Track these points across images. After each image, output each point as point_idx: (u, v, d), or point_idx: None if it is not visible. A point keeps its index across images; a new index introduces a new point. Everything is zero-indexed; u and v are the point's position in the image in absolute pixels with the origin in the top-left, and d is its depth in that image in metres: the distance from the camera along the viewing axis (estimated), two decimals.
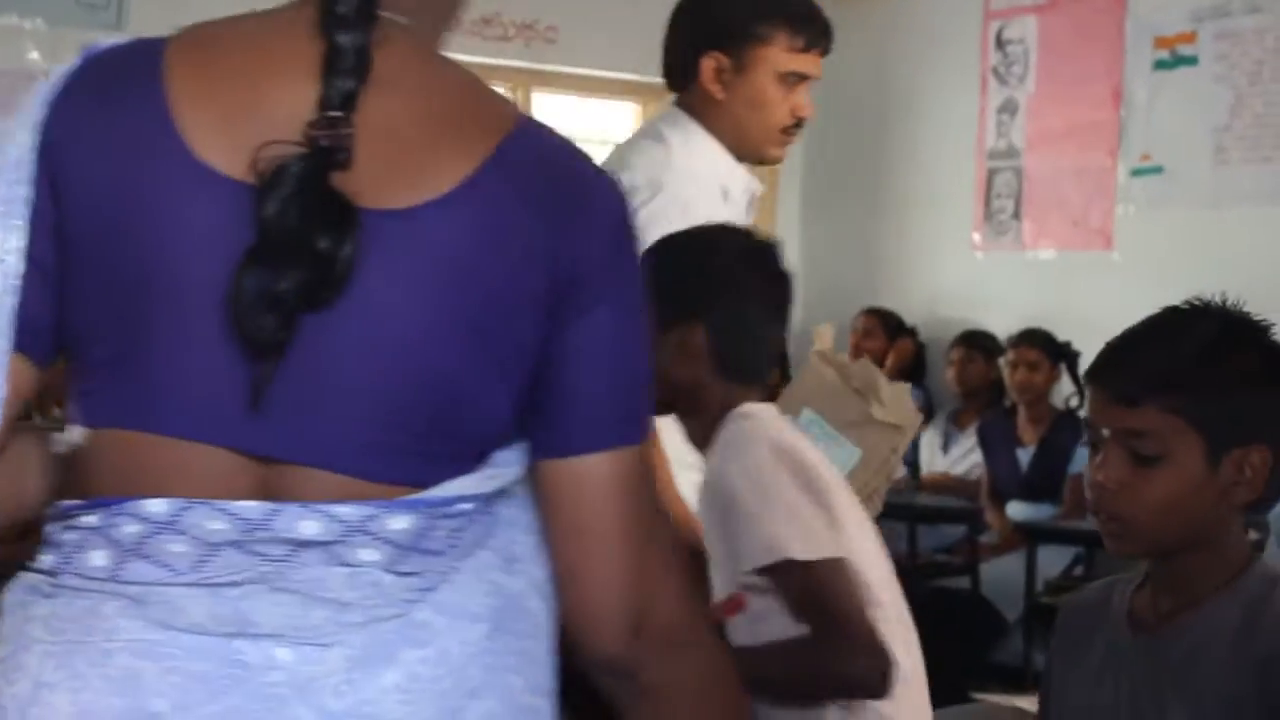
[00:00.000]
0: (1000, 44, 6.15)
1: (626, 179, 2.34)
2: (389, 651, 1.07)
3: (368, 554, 1.06)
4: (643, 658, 1.14)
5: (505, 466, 1.12)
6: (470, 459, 1.10)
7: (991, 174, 6.15)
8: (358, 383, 1.06)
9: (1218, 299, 1.65)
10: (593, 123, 7.03)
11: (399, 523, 1.06)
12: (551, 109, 6.82)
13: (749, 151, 2.59)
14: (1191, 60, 5.50)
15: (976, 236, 6.14)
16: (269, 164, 1.03)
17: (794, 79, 2.56)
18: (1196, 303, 1.66)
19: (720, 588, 1.95)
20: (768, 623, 1.90)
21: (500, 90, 5.97)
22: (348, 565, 1.06)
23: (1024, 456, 5.40)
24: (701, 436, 2.03)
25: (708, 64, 2.52)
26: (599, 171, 1.15)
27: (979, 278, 6.08)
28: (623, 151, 2.55)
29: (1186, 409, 1.56)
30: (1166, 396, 1.57)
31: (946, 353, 5.82)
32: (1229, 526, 1.61)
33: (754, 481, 1.90)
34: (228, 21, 1.13)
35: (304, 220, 1.02)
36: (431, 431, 1.08)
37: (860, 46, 6.76)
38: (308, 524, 1.05)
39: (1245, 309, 1.65)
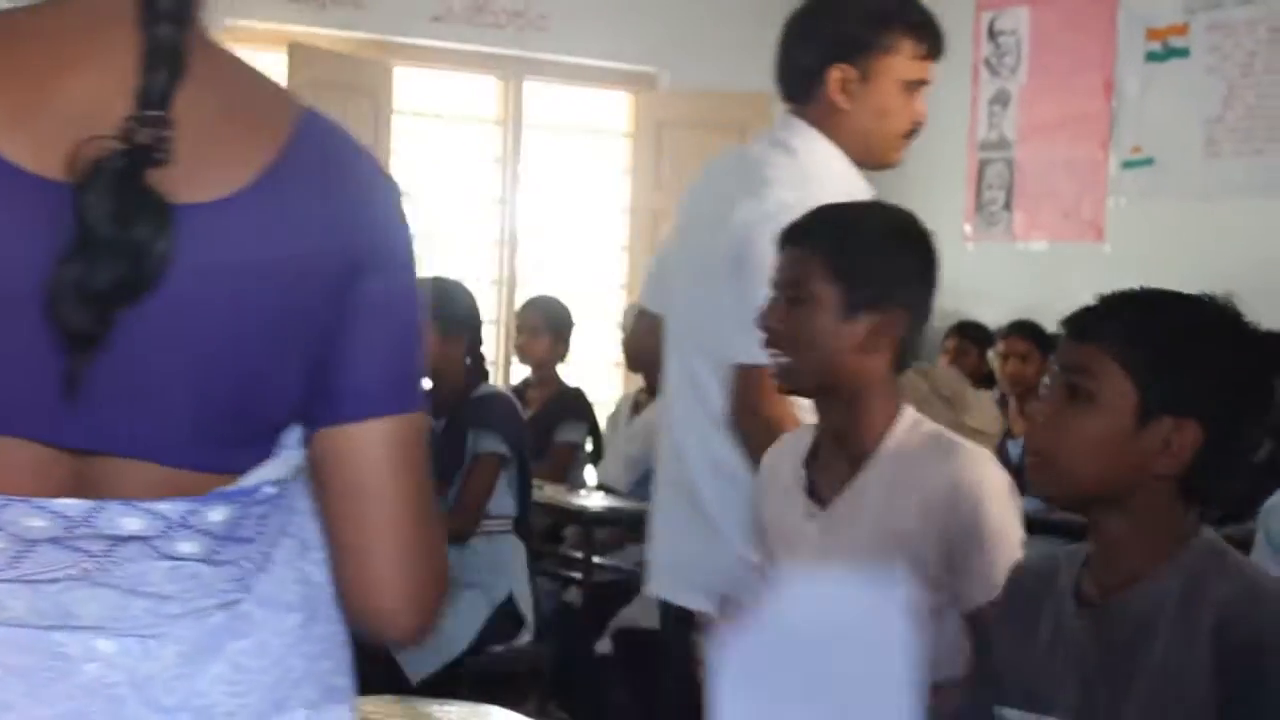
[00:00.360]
0: (992, 35, 6.15)
1: (774, 199, 2.38)
2: (215, 643, 1.10)
3: (188, 546, 1.08)
4: (428, 627, 1.18)
5: (293, 449, 1.14)
6: (271, 443, 1.13)
7: (983, 165, 6.14)
8: (172, 375, 1.07)
9: (1224, 297, 1.67)
10: (584, 111, 7.03)
11: (217, 514, 1.09)
12: (543, 97, 6.81)
13: (873, 159, 2.63)
14: (1183, 52, 5.50)
15: (968, 227, 6.14)
16: (86, 162, 1.03)
17: (915, 86, 2.60)
18: (1205, 295, 1.68)
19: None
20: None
21: (491, 79, 5.96)
22: (169, 559, 1.08)
23: (1014, 449, 5.40)
24: (847, 424, 2.04)
25: (834, 76, 2.54)
26: (371, 156, 1.20)
27: (970, 269, 6.08)
28: (755, 171, 2.53)
29: (1130, 359, 1.59)
30: (1116, 343, 1.60)
31: (940, 343, 5.82)
32: (1162, 502, 1.61)
33: (1003, 526, 1.96)
34: (22, 12, 1.11)
35: (120, 217, 1.03)
36: (242, 419, 1.10)
37: None
38: (130, 520, 1.06)
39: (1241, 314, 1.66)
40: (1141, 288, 1.69)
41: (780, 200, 2.35)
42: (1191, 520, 1.63)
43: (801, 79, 2.59)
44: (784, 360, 2.04)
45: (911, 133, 2.63)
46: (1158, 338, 1.60)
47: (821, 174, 2.50)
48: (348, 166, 1.16)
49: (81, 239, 1.02)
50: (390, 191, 1.18)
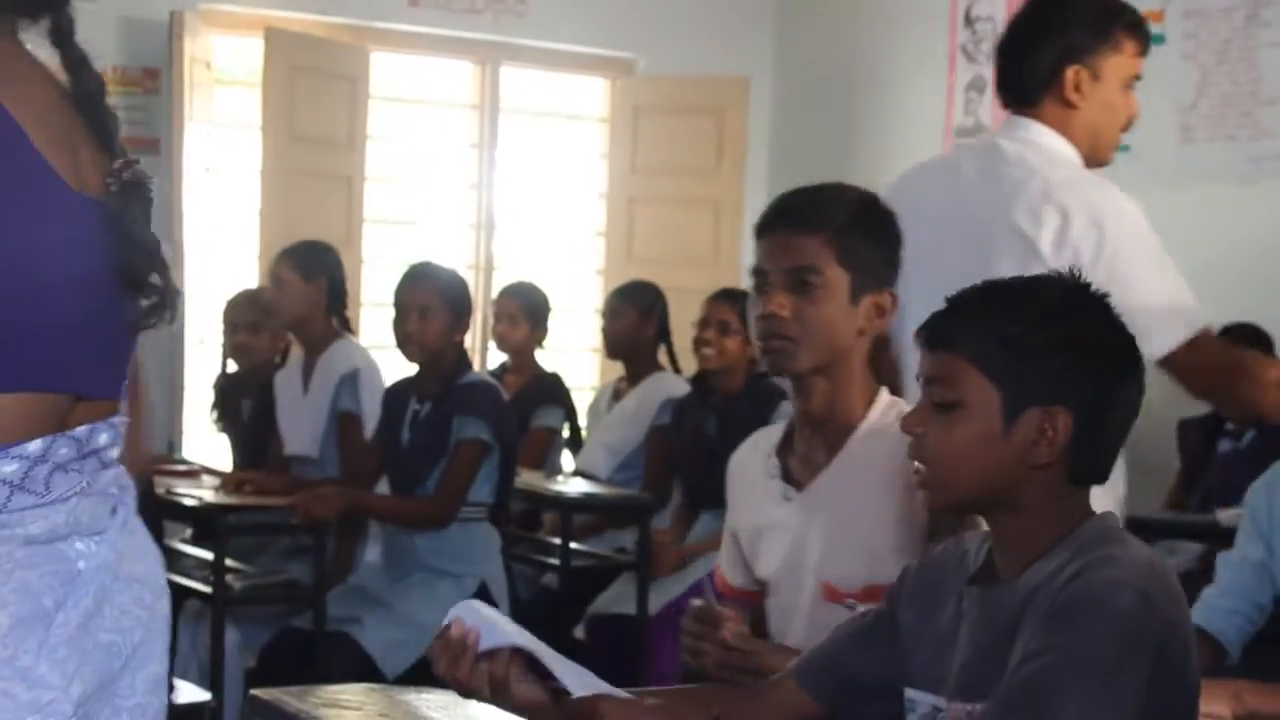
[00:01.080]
0: (969, 21, 6.15)
1: (1087, 213, 2.57)
2: (127, 528, 1.50)
3: (114, 453, 1.47)
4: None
5: None
6: None
7: None
8: (121, 335, 1.50)
9: (1067, 273, 1.69)
10: (561, 98, 7.02)
11: (120, 424, 1.49)
12: (520, 83, 6.80)
13: (1096, 155, 2.75)
14: (1158, 39, 5.50)
15: None
16: (120, 186, 1.46)
17: (1132, 82, 2.75)
18: (1051, 274, 1.70)
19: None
20: None
21: (468, 64, 5.95)
22: (109, 466, 1.47)
23: None
24: (828, 405, 2.05)
25: (1069, 76, 2.67)
26: None
27: None
28: (1050, 193, 2.62)
29: (984, 362, 1.60)
30: (967, 347, 1.61)
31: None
32: (1052, 490, 1.62)
33: None
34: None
35: (146, 226, 1.49)
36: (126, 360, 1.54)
37: (829, 23, 6.76)
38: (103, 436, 1.45)
39: (1089, 284, 1.67)
40: (984, 282, 1.70)
41: (1096, 214, 2.56)
42: (1082, 501, 1.65)
43: (1036, 81, 2.70)
44: (784, 345, 2.03)
45: (1128, 126, 2.78)
46: (1006, 334, 1.61)
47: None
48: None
49: (128, 240, 1.43)
50: None
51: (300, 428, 4.54)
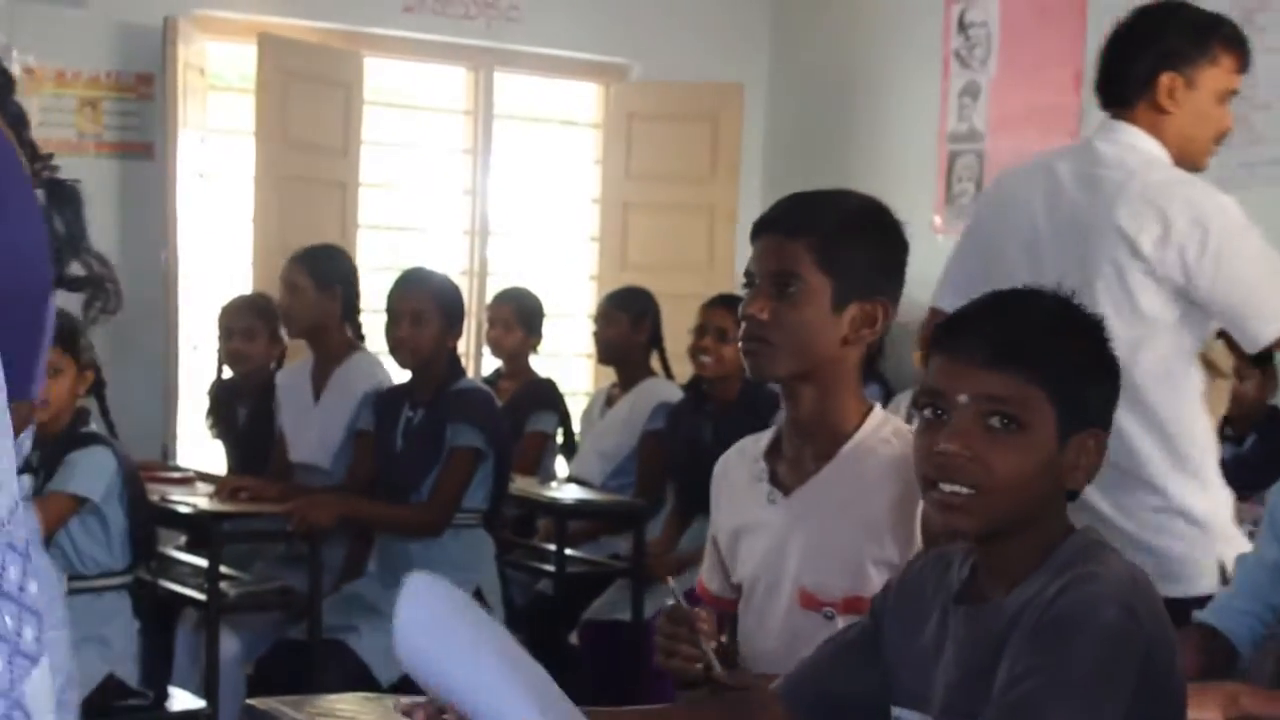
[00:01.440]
0: (962, 27, 6.16)
1: (1189, 213, 2.68)
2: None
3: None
4: None
5: None
6: None
7: (953, 157, 6.16)
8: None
9: (1047, 286, 1.66)
10: (555, 103, 7.01)
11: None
12: (513, 89, 6.80)
13: (1185, 161, 2.82)
14: None
15: (937, 219, 6.16)
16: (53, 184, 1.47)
17: (1228, 96, 2.84)
18: (1024, 288, 1.66)
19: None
20: None
21: (461, 70, 5.95)
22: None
23: None
24: (817, 416, 2.02)
25: (1164, 81, 2.78)
26: None
27: (940, 260, 6.07)
28: (1150, 194, 2.73)
29: (1047, 382, 1.56)
30: (1028, 367, 1.56)
31: (916, 334, 5.80)
32: (1055, 509, 1.61)
33: None
34: None
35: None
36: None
37: (823, 30, 6.76)
38: (27, 443, 1.45)
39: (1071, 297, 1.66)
40: (985, 296, 1.66)
41: (1222, 217, 2.69)
42: (1062, 511, 1.63)
43: (1132, 85, 2.81)
44: (760, 348, 2.01)
45: (1221, 138, 2.86)
46: (1061, 355, 1.58)
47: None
48: None
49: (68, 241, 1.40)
50: None
51: (309, 435, 4.49)
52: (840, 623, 1.96)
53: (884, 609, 1.74)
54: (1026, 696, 1.48)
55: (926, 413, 1.61)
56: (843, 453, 2.01)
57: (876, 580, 1.93)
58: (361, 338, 4.61)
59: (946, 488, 1.58)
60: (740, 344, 2.06)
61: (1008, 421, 1.56)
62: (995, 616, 1.58)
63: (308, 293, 4.43)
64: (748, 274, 2.06)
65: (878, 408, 2.06)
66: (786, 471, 2.06)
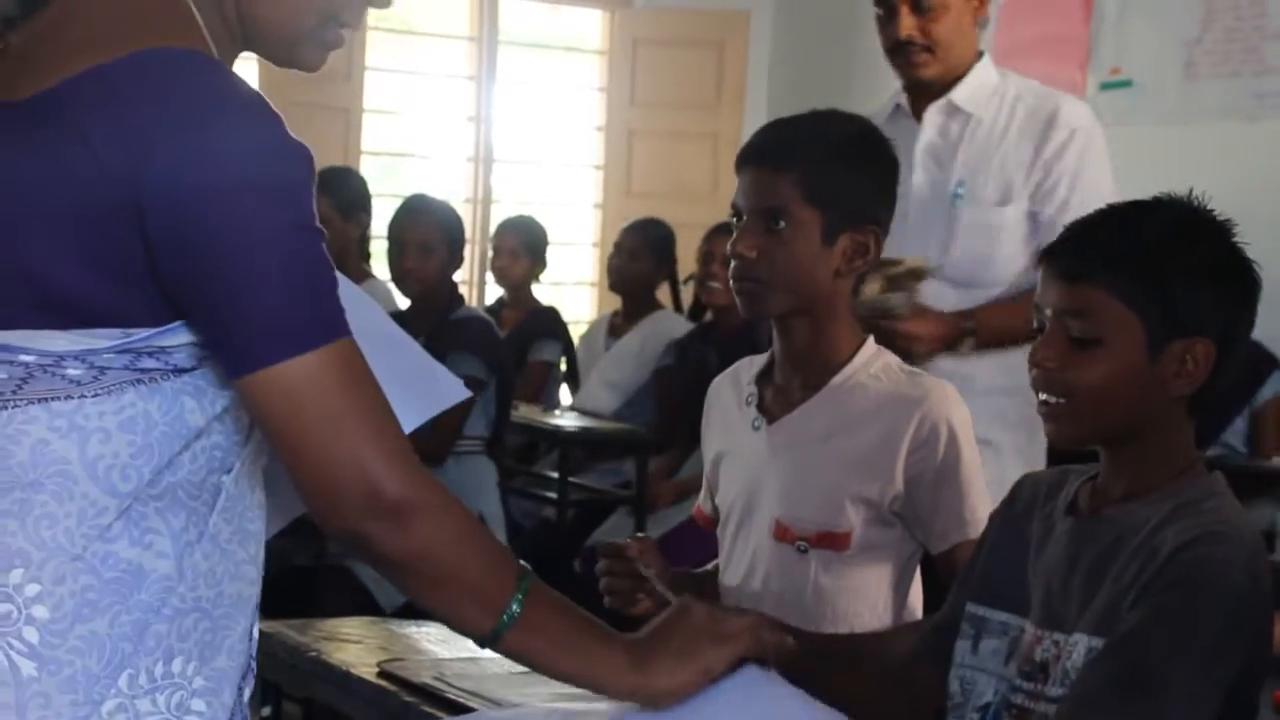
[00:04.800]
0: None
1: None
2: None
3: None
4: (374, 531, 1.26)
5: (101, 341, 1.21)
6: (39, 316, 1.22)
7: None
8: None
9: (1185, 194, 1.64)
10: (559, 29, 6.96)
11: None
12: (517, 14, 6.74)
13: None
14: None
15: None
16: None
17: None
18: (1163, 196, 1.65)
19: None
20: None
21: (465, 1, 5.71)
22: None
23: None
24: (809, 347, 2.01)
25: None
26: (202, 101, 1.22)
27: None
28: None
29: (1127, 292, 1.55)
30: (1108, 278, 1.56)
31: None
32: (1174, 421, 1.60)
33: (977, 465, 1.95)
34: None
35: None
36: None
37: None
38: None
39: (1210, 208, 1.64)
40: (1110, 207, 1.66)
41: None
42: (1189, 440, 1.62)
43: None
44: (753, 287, 1.96)
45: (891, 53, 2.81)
46: (1152, 264, 1.56)
47: None
48: (156, 101, 1.19)
49: None
50: (200, 135, 1.19)
51: None
52: (812, 558, 1.95)
53: (993, 524, 1.74)
54: (1145, 646, 1.48)
55: (1036, 323, 1.63)
56: (830, 385, 1.98)
57: (852, 517, 1.92)
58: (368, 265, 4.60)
59: (1042, 396, 1.61)
60: (731, 282, 2.02)
61: (1085, 334, 1.57)
62: (1104, 529, 1.59)
63: (333, 224, 4.28)
64: (734, 207, 1.99)
65: (870, 340, 2.03)
66: (774, 398, 2.03)
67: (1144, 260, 1.57)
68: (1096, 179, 2.73)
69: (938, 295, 2.65)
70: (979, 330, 2.66)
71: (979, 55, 2.85)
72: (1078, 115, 2.81)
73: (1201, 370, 1.57)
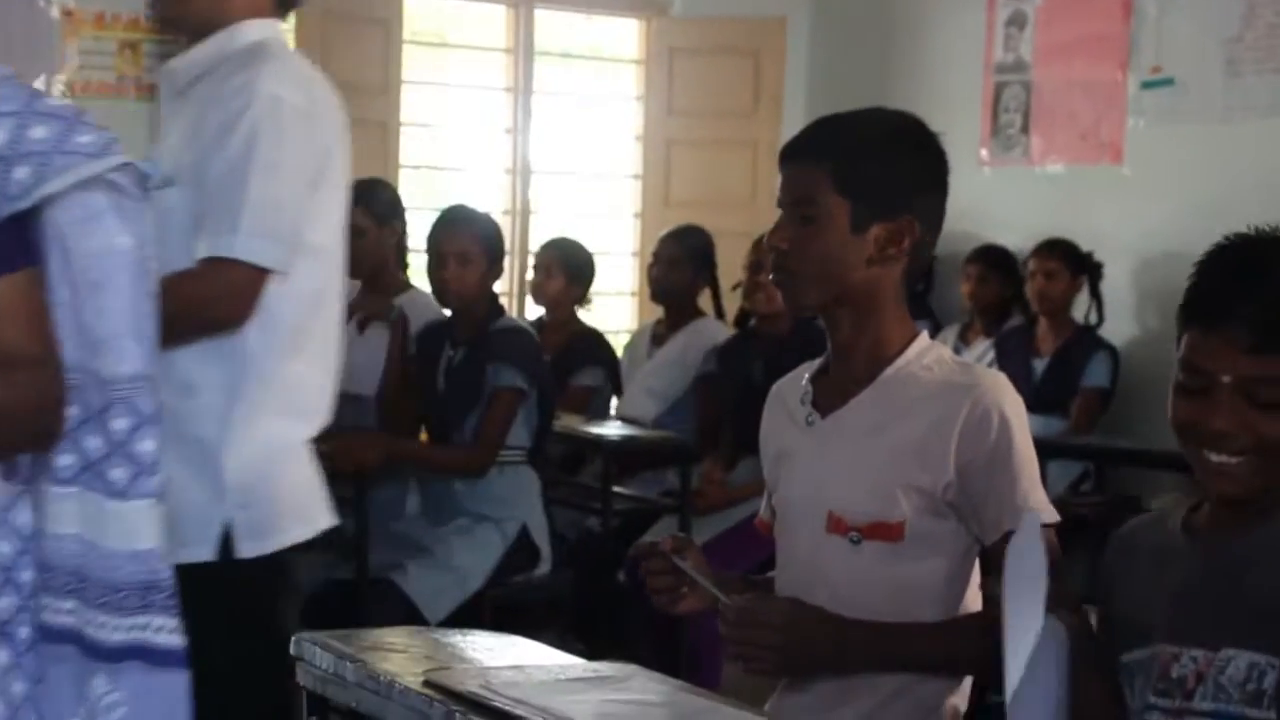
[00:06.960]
0: None
1: None
2: None
3: None
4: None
5: None
6: None
7: (999, 88, 6.08)
8: None
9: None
10: (596, 40, 6.97)
11: None
12: (553, 26, 6.75)
13: None
14: None
15: (984, 152, 6.09)
16: None
17: None
18: (1267, 238, 1.63)
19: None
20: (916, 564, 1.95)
21: (501, 7, 5.89)
22: None
23: (1039, 366, 5.40)
24: (857, 339, 2.01)
25: None
26: None
27: (986, 193, 6.03)
28: None
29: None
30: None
31: (962, 267, 5.75)
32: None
33: (1030, 453, 1.95)
34: None
35: None
36: None
37: None
38: None
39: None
40: (1257, 257, 1.62)
41: None
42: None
43: None
44: (785, 279, 2.00)
45: None
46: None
47: None
48: None
49: None
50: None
51: (355, 363, 4.41)
52: (866, 550, 1.95)
53: (1106, 575, 1.76)
54: None
55: (1183, 377, 1.62)
56: (883, 377, 1.99)
57: (905, 506, 1.93)
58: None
59: (1215, 458, 1.60)
60: (771, 277, 2.05)
61: (1274, 397, 1.57)
62: (1235, 548, 1.60)
63: (370, 233, 4.28)
64: (779, 204, 2.05)
65: (924, 334, 2.04)
66: (828, 394, 2.04)
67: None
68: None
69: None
70: None
71: None
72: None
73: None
